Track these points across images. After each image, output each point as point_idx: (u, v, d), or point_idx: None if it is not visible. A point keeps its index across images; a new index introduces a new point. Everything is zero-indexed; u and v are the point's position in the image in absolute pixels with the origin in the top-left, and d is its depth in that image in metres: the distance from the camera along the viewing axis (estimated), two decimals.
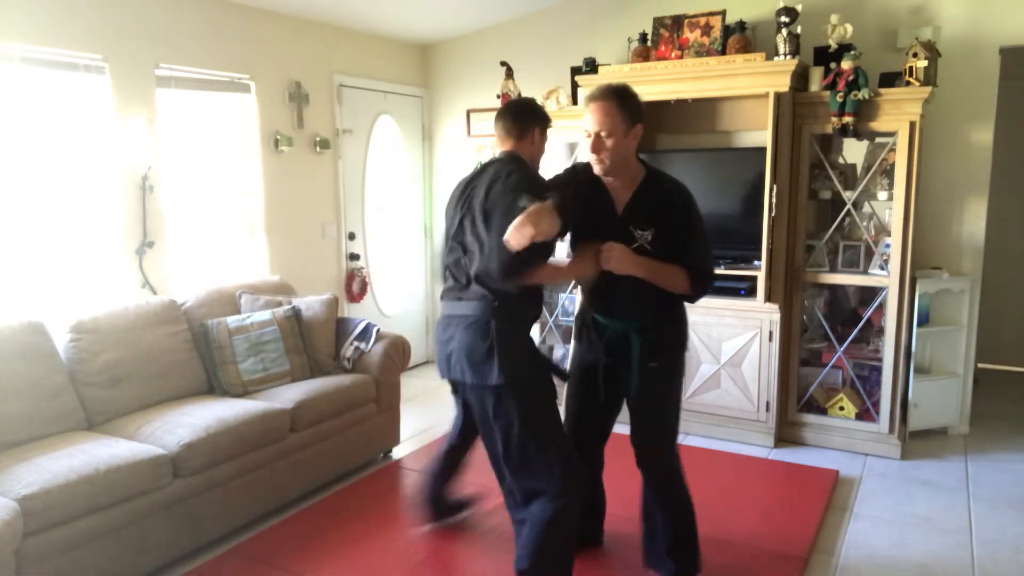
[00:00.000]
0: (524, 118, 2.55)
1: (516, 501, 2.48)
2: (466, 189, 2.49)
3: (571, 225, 2.46)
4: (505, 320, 2.36)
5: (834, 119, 3.73)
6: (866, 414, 3.95)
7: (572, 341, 2.83)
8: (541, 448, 2.37)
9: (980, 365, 5.09)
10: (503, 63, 4.77)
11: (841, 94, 3.68)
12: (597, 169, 2.41)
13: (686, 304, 2.62)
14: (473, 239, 2.37)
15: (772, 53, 3.91)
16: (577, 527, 2.48)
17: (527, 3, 4.95)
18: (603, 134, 2.33)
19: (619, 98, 2.34)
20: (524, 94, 4.75)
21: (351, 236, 5.12)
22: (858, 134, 3.82)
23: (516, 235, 2.14)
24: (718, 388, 4.11)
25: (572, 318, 4.83)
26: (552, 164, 4.84)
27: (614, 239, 2.41)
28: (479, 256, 2.33)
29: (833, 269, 4.00)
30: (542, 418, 2.40)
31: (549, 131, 2.62)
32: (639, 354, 2.51)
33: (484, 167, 2.52)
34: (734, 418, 4.10)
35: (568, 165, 4.71)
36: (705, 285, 2.51)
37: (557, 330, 4.95)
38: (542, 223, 2.13)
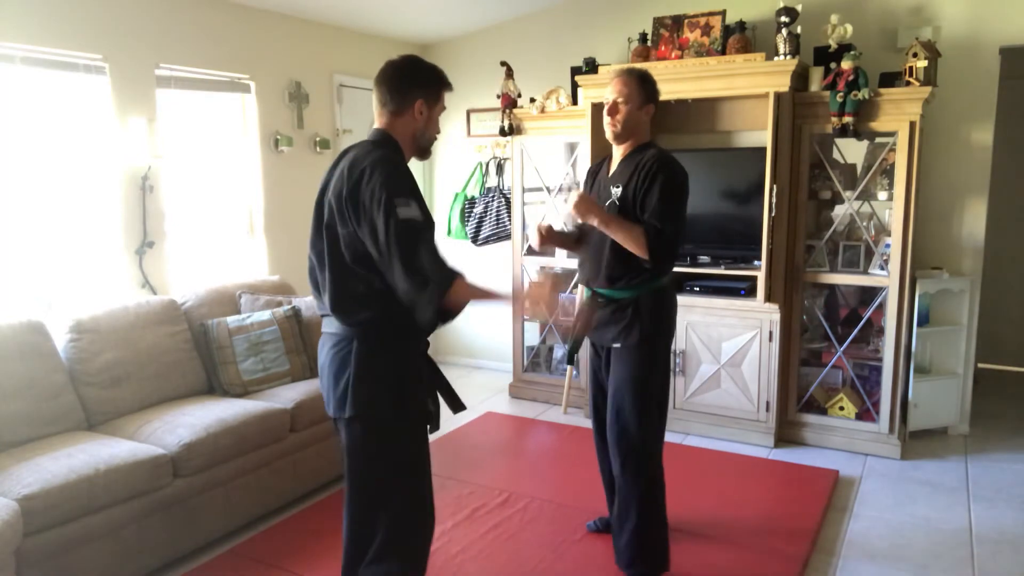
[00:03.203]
0: (403, 85, 2.07)
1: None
2: (324, 187, 2.05)
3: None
4: (373, 339, 2.01)
5: (834, 119, 3.73)
6: (866, 414, 3.95)
7: None
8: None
9: (980, 365, 5.09)
10: (503, 63, 4.76)
11: (841, 94, 3.68)
12: (609, 133, 2.66)
13: (678, 296, 2.79)
14: (326, 252, 2.01)
15: (772, 53, 3.91)
16: None
17: (527, 3, 4.95)
18: (619, 100, 2.60)
19: (639, 77, 2.63)
20: (524, 94, 4.75)
21: None
22: (858, 134, 3.81)
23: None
24: (718, 388, 4.11)
25: (572, 319, 4.83)
26: (552, 165, 4.88)
27: (598, 198, 2.69)
28: (329, 277, 2.01)
29: (833, 269, 4.00)
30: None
31: (444, 101, 2.13)
32: (587, 304, 2.69)
33: (341, 156, 2.07)
34: (734, 418, 4.10)
35: (568, 165, 4.76)
36: (659, 246, 2.48)
37: (557, 330, 4.94)
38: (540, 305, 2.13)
